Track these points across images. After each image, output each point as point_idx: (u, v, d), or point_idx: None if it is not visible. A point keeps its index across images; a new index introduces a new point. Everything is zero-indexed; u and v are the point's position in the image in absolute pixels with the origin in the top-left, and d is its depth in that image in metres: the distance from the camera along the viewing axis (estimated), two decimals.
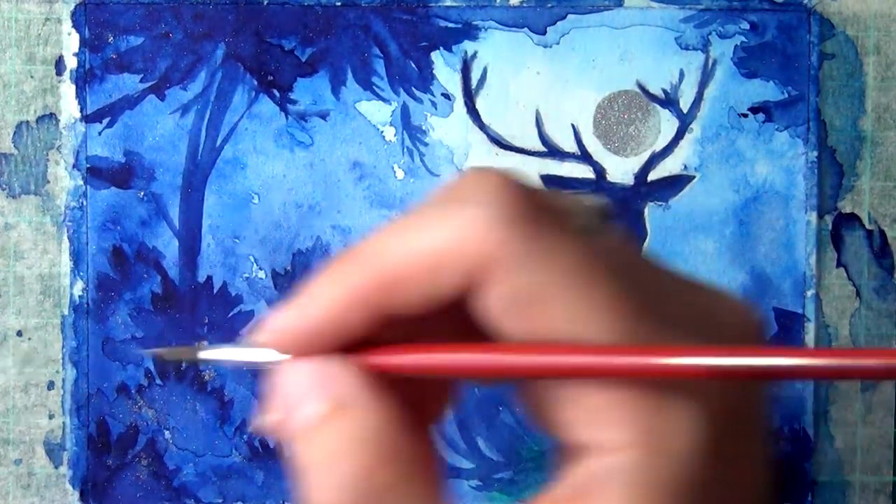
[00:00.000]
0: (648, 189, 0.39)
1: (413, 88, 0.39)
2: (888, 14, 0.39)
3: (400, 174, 0.39)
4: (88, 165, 0.39)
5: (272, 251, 0.39)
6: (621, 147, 0.39)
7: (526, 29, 0.39)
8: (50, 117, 0.39)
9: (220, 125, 0.39)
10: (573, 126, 0.39)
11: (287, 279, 0.39)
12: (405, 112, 0.39)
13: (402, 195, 0.39)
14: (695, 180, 0.39)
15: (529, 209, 0.24)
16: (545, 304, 0.24)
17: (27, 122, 0.39)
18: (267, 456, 0.39)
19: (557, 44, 0.39)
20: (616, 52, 0.39)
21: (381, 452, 0.23)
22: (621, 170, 0.39)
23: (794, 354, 0.22)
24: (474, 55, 0.39)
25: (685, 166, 0.39)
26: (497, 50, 0.39)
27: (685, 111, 0.39)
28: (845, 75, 0.39)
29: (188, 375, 0.39)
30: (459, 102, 0.39)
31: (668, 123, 0.39)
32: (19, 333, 0.39)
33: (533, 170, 0.39)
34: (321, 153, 0.39)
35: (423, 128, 0.39)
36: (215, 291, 0.39)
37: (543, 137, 0.39)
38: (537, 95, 0.39)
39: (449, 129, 0.39)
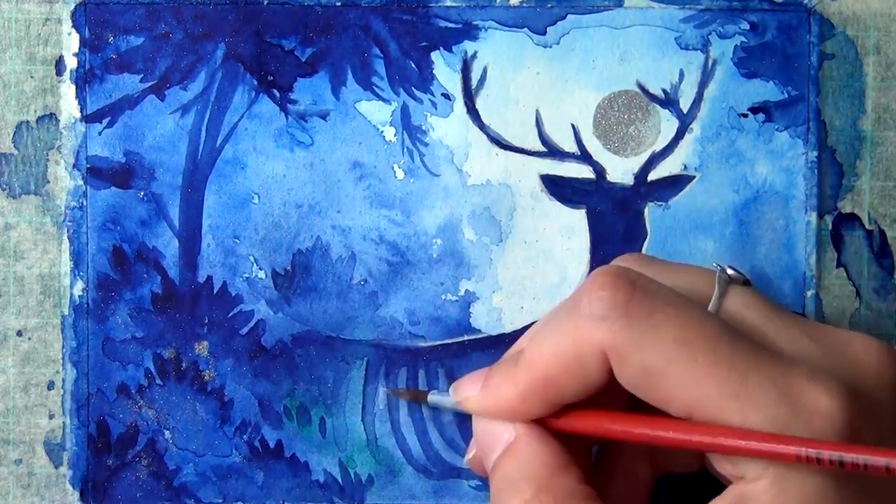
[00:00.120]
0: (648, 189, 0.39)
1: (413, 88, 0.39)
2: (888, 14, 0.39)
3: (400, 174, 0.39)
4: (88, 165, 0.39)
5: (272, 251, 0.39)
6: (621, 147, 0.39)
7: (526, 29, 0.39)
8: (50, 117, 0.39)
9: (220, 125, 0.39)
10: (573, 126, 0.39)
11: (287, 279, 0.39)
12: (405, 112, 0.39)
13: (402, 195, 0.39)
14: (695, 180, 0.39)
15: (635, 300, 0.30)
16: (661, 376, 0.30)
17: (27, 122, 0.39)
18: (267, 456, 0.39)
19: (557, 44, 0.39)
20: (616, 52, 0.39)
21: (538, 487, 0.31)
22: (621, 170, 0.39)
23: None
24: (474, 55, 0.39)
25: (685, 166, 0.39)
26: (497, 50, 0.39)
27: (685, 111, 0.39)
28: (845, 75, 0.39)
29: (188, 375, 0.39)
30: (459, 102, 0.39)
31: (668, 123, 0.39)
32: (19, 333, 0.39)
33: (533, 170, 0.39)
34: (321, 153, 0.39)
35: (423, 128, 0.39)
36: (215, 291, 0.39)
37: (543, 137, 0.39)
38: (537, 95, 0.39)
39: (449, 129, 0.39)
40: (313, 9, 0.39)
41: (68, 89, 0.39)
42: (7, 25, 0.39)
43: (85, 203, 0.39)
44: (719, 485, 0.31)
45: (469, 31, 0.39)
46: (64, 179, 0.39)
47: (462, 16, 0.39)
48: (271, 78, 0.39)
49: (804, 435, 0.28)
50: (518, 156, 0.39)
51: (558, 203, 0.39)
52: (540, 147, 0.39)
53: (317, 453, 0.39)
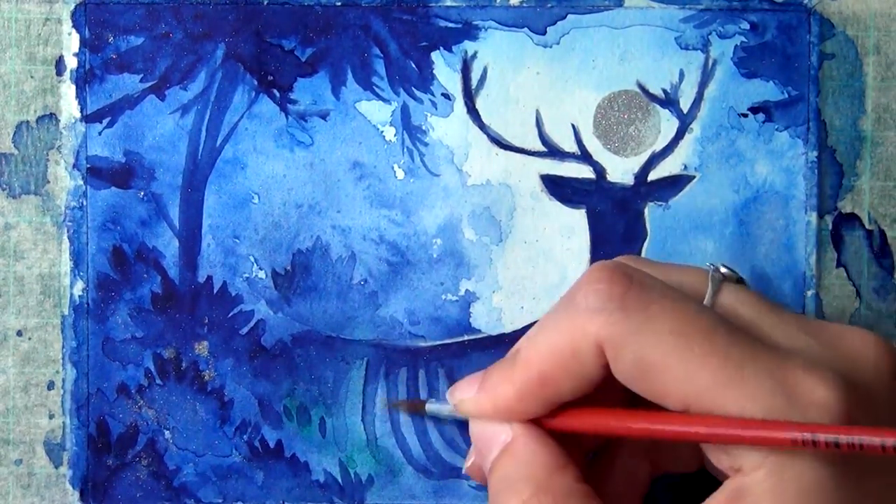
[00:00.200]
0: (648, 189, 0.39)
1: (413, 88, 0.39)
2: (888, 14, 0.39)
3: (400, 174, 0.39)
4: (88, 165, 0.39)
5: (272, 251, 0.39)
6: (621, 147, 0.39)
7: (526, 29, 0.39)
8: (50, 117, 0.39)
9: (220, 125, 0.39)
10: (573, 126, 0.39)
11: (287, 279, 0.39)
12: (405, 112, 0.39)
13: (402, 195, 0.39)
14: (695, 180, 0.39)
15: (631, 293, 0.30)
16: (658, 368, 0.30)
17: (27, 122, 0.39)
18: (267, 456, 0.39)
19: (557, 44, 0.39)
20: (616, 52, 0.39)
21: (536, 486, 0.31)
22: (621, 170, 0.39)
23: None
24: (474, 55, 0.39)
25: (685, 166, 0.39)
26: (497, 50, 0.39)
27: (685, 111, 0.39)
28: (845, 75, 0.39)
29: (188, 375, 0.39)
30: (459, 102, 0.39)
31: (668, 123, 0.39)
32: (19, 333, 0.39)
33: (533, 170, 0.39)
34: (321, 153, 0.39)
35: (423, 128, 0.39)
36: (215, 291, 0.39)
37: (543, 137, 0.39)
38: (537, 95, 0.39)
39: (449, 129, 0.39)
40: (313, 9, 0.39)
41: (68, 89, 0.39)
42: (7, 25, 0.39)
43: (85, 203, 0.39)
44: (718, 484, 0.31)
45: (469, 31, 0.39)
46: (64, 179, 0.39)
47: (462, 16, 0.39)
48: (271, 78, 0.39)
49: None
50: (518, 156, 0.39)
51: (558, 203, 0.39)
52: (540, 147, 0.39)
53: (317, 453, 0.39)
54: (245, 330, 0.39)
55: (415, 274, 0.39)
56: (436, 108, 0.39)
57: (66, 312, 0.39)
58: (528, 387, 0.32)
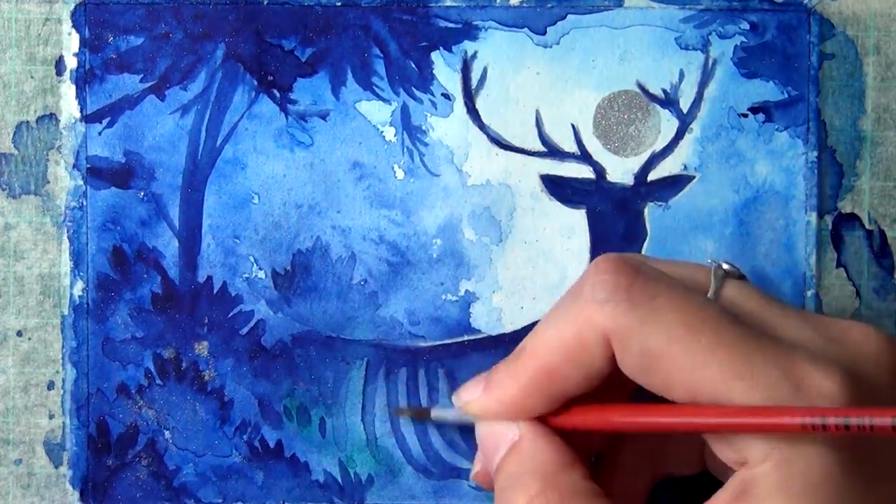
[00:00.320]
0: (648, 189, 0.39)
1: (413, 88, 0.39)
2: (888, 14, 0.39)
3: (400, 174, 0.39)
4: (88, 165, 0.39)
5: (272, 251, 0.39)
6: (621, 147, 0.39)
7: (526, 29, 0.39)
8: (50, 117, 0.39)
9: (220, 125, 0.39)
10: (573, 126, 0.39)
11: (287, 279, 0.39)
12: (405, 112, 0.39)
13: (402, 195, 0.39)
14: (695, 180, 0.39)
15: (637, 284, 0.30)
16: (664, 359, 0.30)
17: (27, 122, 0.39)
18: (267, 456, 0.39)
19: (557, 44, 0.39)
20: (616, 52, 0.39)
21: (543, 483, 0.31)
22: (621, 170, 0.39)
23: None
24: (474, 55, 0.39)
25: (685, 166, 0.39)
26: (497, 50, 0.39)
27: (685, 111, 0.39)
28: (845, 75, 0.39)
29: (188, 375, 0.39)
30: (459, 102, 0.39)
31: (668, 123, 0.39)
32: (19, 333, 0.39)
33: (533, 170, 0.39)
34: (321, 153, 0.39)
35: (423, 128, 0.39)
36: (215, 291, 0.39)
37: (543, 137, 0.39)
38: (537, 95, 0.39)
39: (449, 129, 0.39)
40: (313, 9, 0.39)
41: (68, 89, 0.39)
42: (7, 25, 0.39)
43: (85, 203, 0.39)
44: (720, 486, 0.31)
45: (469, 31, 0.39)
46: (64, 179, 0.39)
47: (462, 16, 0.39)
48: (271, 78, 0.39)
49: None
50: (518, 156, 0.39)
51: (558, 203, 0.39)
52: (540, 147, 0.39)
53: (317, 453, 0.39)
54: (245, 330, 0.39)
55: (415, 274, 0.39)
56: (436, 109, 0.39)
57: (66, 312, 0.39)
58: (533, 381, 0.32)
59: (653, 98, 0.39)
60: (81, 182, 0.39)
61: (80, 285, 0.39)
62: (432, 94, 0.39)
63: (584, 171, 0.39)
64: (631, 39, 0.39)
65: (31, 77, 0.39)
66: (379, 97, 0.39)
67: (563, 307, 0.32)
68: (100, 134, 0.39)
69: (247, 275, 0.39)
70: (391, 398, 0.39)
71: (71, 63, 0.39)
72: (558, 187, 0.39)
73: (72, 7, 0.38)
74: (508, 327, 0.39)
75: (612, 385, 0.32)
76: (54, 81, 0.39)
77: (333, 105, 0.39)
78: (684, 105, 0.39)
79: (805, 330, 0.31)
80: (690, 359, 0.29)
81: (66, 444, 0.39)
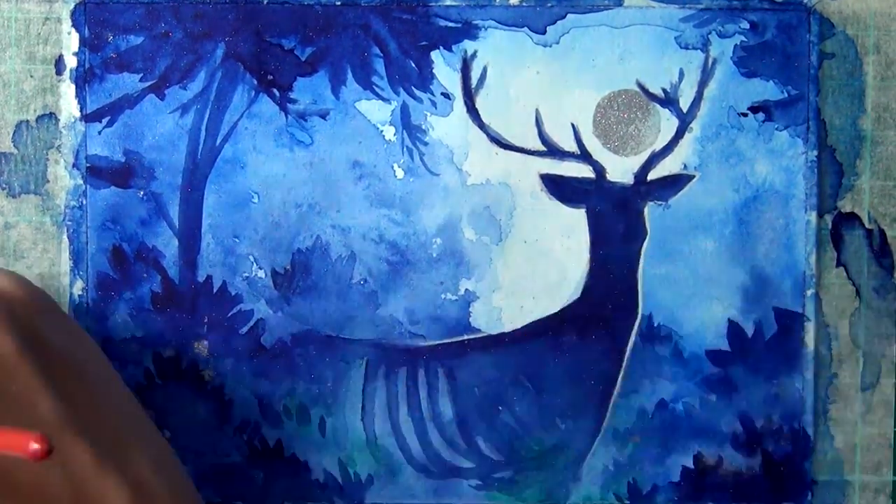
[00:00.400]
0: (648, 188, 0.39)
1: (413, 88, 0.39)
2: (888, 13, 0.39)
3: (400, 173, 0.39)
4: (88, 165, 0.39)
5: (272, 251, 0.39)
6: (621, 146, 0.39)
7: (526, 28, 0.39)
8: (50, 117, 0.39)
9: (220, 125, 0.39)
10: (573, 125, 0.39)
11: (287, 279, 0.39)
12: (405, 111, 0.39)
13: (402, 194, 0.39)
14: (695, 180, 0.39)
15: None
16: None
17: (27, 121, 0.39)
18: (267, 456, 0.39)
19: (557, 43, 0.39)
20: (616, 51, 0.39)
21: None
22: (621, 169, 0.39)
23: None
24: (474, 54, 0.39)
25: (685, 166, 0.39)
26: (497, 49, 0.39)
27: (685, 110, 0.39)
28: (845, 75, 0.39)
29: (188, 375, 0.39)
30: (459, 102, 0.39)
31: (667, 123, 0.39)
32: None
33: (533, 169, 0.39)
34: (321, 153, 0.39)
35: (423, 127, 0.39)
36: (215, 291, 0.39)
37: (543, 137, 0.39)
38: (537, 95, 0.39)
39: (449, 129, 0.39)
40: (313, 8, 0.39)
41: (68, 89, 0.39)
42: (7, 25, 0.39)
43: (85, 202, 0.39)
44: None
45: (469, 31, 0.39)
46: (64, 179, 0.39)
47: (462, 15, 0.39)
48: (271, 77, 0.39)
49: None
50: (518, 155, 0.39)
51: (558, 202, 0.39)
52: (540, 146, 0.39)
53: (316, 453, 0.39)
54: (245, 329, 0.39)
55: (414, 273, 0.39)
56: (435, 108, 0.39)
57: (66, 312, 0.39)
58: None
59: (653, 97, 0.39)
60: (81, 181, 0.39)
61: (79, 284, 0.39)
62: (432, 94, 0.39)
63: (583, 171, 0.39)
64: (631, 39, 0.39)
65: (31, 76, 0.39)
66: (379, 96, 0.39)
67: None
68: (99, 133, 0.39)
69: (246, 274, 0.39)
70: (391, 396, 0.39)
71: (71, 62, 0.39)
72: (558, 187, 0.39)
73: (71, 6, 0.38)
74: (508, 326, 0.39)
75: None
76: (54, 81, 0.39)
77: (333, 104, 0.39)
78: (684, 104, 0.39)
79: None
80: None
81: None
